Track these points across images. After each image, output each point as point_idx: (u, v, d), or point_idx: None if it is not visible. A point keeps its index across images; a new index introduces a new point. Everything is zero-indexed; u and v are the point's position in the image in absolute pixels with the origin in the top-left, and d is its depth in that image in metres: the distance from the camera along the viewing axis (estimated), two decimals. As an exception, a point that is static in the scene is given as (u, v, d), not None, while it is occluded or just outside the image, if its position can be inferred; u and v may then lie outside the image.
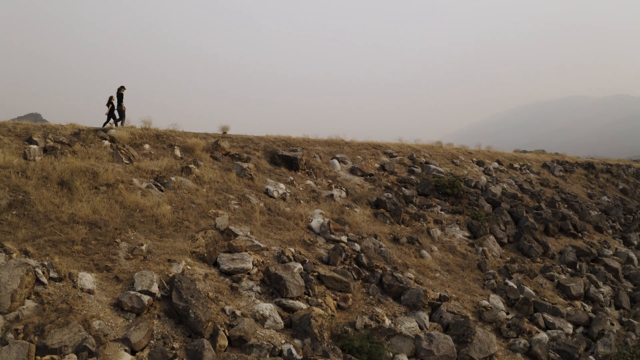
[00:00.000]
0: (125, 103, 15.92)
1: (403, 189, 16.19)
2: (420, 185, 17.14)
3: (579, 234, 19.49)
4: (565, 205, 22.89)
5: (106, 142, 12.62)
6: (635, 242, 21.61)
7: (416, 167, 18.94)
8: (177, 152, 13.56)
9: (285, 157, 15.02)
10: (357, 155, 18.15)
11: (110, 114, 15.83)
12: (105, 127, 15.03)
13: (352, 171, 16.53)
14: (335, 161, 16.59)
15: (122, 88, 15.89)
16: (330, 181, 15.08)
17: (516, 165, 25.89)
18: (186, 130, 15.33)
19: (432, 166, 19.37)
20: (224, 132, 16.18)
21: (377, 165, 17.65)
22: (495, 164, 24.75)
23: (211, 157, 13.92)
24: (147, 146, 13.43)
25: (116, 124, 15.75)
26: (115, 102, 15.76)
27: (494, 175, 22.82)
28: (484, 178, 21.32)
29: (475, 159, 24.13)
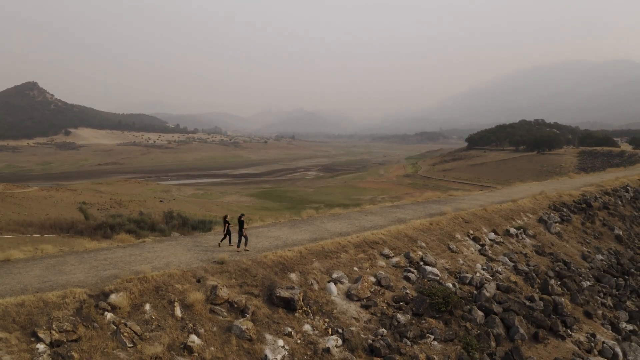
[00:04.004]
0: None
1: (398, 315, 16.67)
2: (415, 302, 17.62)
3: (568, 330, 20.13)
4: (559, 283, 23.43)
5: (108, 316, 13.00)
6: (624, 324, 22.25)
7: (412, 271, 19.36)
8: (178, 311, 13.95)
9: (282, 298, 15.42)
10: (354, 267, 18.51)
11: (227, 233, 18.61)
12: (221, 242, 18.86)
13: (349, 296, 16.95)
14: (332, 286, 16.98)
15: (242, 215, 18.13)
16: (327, 320, 15.54)
17: (512, 231, 26.23)
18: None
19: (428, 268, 19.79)
20: (222, 263, 16.49)
21: (373, 280, 18.06)
22: (492, 235, 25.12)
23: (210, 311, 14.32)
24: (147, 307, 13.80)
25: (233, 243, 18.68)
26: (229, 225, 18.83)
27: (489, 253, 23.25)
28: (479, 265, 21.76)
29: (471, 232, 24.47)
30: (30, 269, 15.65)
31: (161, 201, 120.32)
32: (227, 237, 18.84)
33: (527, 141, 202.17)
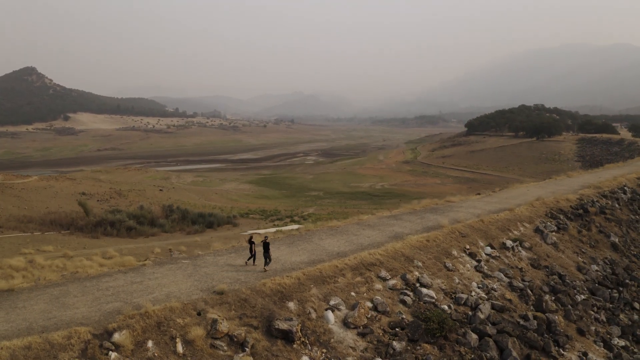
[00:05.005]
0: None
1: (394, 342, 17.08)
2: (411, 327, 18.02)
3: (561, 350, 20.59)
4: (553, 298, 23.87)
5: (112, 356, 13.34)
6: (616, 340, 22.73)
7: (408, 294, 19.73)
8: (179, 348, 14.30)
9: (281, 330, 15.80)
10: (352, 292, 18.87)
11: (251, 252, 19.90)
12: (247, 261, 20.14)
13: (346, 324, 17.32)
14: (329, 314, 17.34)
15: (266, 238, 19.84)
16: (324, 351, 15.93)
17: (508, 244, 26.57)
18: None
19: (424, 290, 20.16)
20: (221, 293, 16.82)
21: (369, 306, 18.43)
22: (488, 249, 25.46)
23: (211, 346, 14.69)
24: (150, 344, 14.15)
25: (255, 264, 20.07)
26: (254, 245, 20.12)
27: (485, 269, 23.61)
28: (474, 284, 22.14)
29: (468, 247, 24.81)
30: (34, 302, 15.98)
31: (160, 190, 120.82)
32: (252, 257, 20.07)
33: (526, 127, 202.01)
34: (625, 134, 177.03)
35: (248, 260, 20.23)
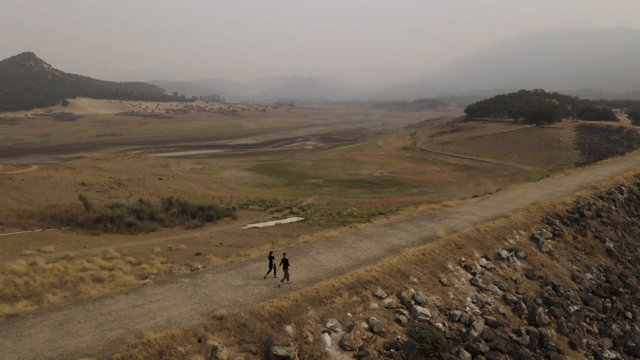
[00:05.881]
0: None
1: (389, 365, 17.56)
2: (405, 348, 18.49)
3: (553, 365, 21.13)
4: (547, 310, 24.34)
5: (115, 389, 13.82)
6: (607, 353, 23.30)
7: (403, 313, 20.16)
8: (181, 379, 14.76)
9: (279, 356, 16.23)
10: (348, 312, 19.29)
11: (271, 267, 20.89)
12: (267, 275, 21.17)
13: (342, 346, 17.77)
14: (326, 337, 17.77)
15: (285, 254, 20.71)
16: (321, 376, 16.42)
17: (504, 254, 26.96)
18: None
19: (419, 308, 20.58)
20: (221, 318, 17.24)
21: (365, 327, 18.86)
22: (483, 260, 25.86)
23: (212, 375, 15.14)
24: (152, 374, 14.61)
25: (276, 276, 21.24)
26: (275, 260, 21.24)
27: (480, 282, 24.04)
28: (469, 299, 22.57)
29: (463, 259, 25.19)
30: (39, 329, 16.35)
31: (160, 179, 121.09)
32: (272, 270, 21.04)
33: (526, 113, 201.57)
34: (624, 120, 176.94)
35: (267, 274, 21.20)
